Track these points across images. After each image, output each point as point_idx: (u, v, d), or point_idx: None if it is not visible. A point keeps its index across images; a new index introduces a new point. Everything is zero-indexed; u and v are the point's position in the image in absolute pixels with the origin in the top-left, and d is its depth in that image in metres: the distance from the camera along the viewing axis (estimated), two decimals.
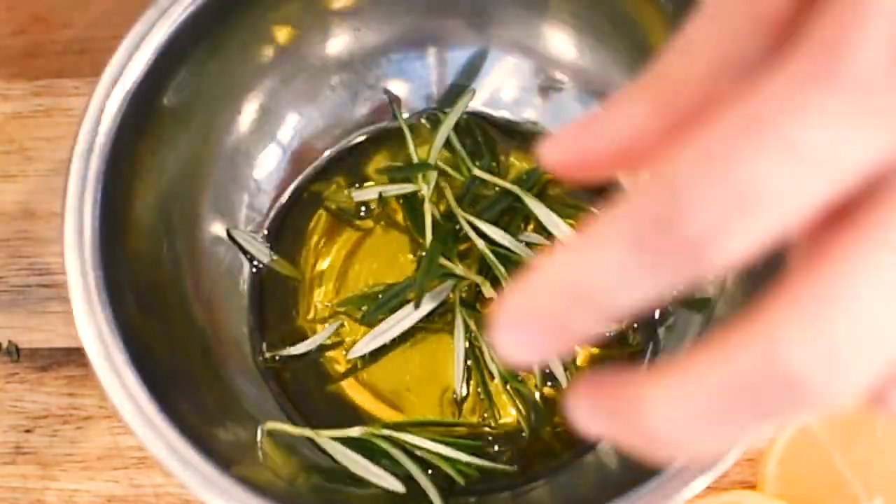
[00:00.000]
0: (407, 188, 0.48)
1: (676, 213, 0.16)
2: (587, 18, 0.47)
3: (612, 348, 0.47)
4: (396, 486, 0.43)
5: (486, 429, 0.46)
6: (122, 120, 0.41)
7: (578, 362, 0.47)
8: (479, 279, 0.46)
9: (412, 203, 0.48)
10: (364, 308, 0.47)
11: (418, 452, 0.44)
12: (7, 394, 0.50)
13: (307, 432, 0.45)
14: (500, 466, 0.45)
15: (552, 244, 0.48)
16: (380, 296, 0.47)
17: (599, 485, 0.43)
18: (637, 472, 0.39)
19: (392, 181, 0.49)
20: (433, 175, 0.47)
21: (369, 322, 0.46)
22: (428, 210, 0.47)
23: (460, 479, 0.44)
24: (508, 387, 0.46)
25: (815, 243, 0.17)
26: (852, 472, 0.43)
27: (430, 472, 0.44)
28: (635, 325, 0.47)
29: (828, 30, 0.16)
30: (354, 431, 0.44)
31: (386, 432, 0.44)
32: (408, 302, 0.46)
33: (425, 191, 0.47)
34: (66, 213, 0.40)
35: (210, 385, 0.44)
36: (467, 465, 0.44)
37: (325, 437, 0.44)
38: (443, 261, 0.46)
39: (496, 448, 0.45)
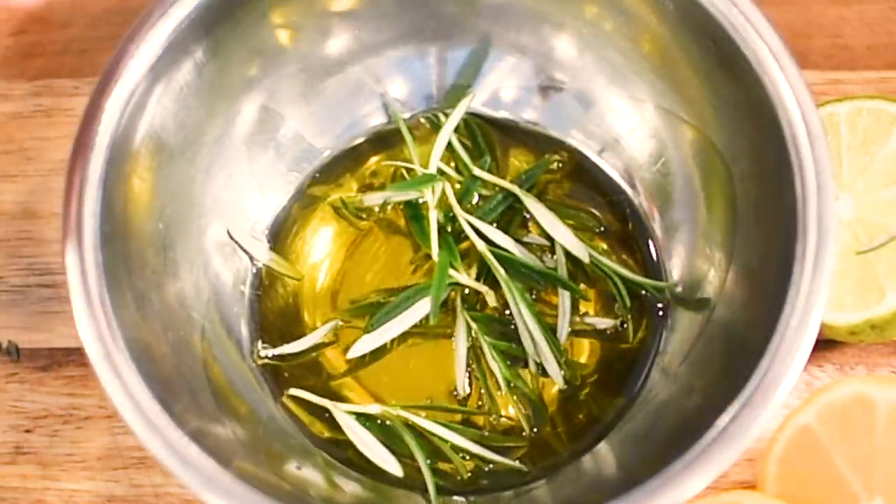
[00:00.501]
0: (410, 195, 0.48)
1: None
2: (587, 19, 0.47)
3: (612, 348, 0.47)
4: (396, 469, 0.43)
5: (488, 427, 0.46)
6: (122, 120, 0.41)
7: (582, 360, 0.47)
8: (483, 288, 0.47)
9: (415, 209, 0.48)
10: (371, 316, 0.47)
11: (431, 438, 0.45)
12: (7, 394, 0.50)
13: (326, 402, 0.45)
14: (508, 461, 0.45)
15: (551, 245, 0.48)
16: (391, 299, 0.47)
17: (599, 485, 0.43)
18: (637, 472, 0.39)
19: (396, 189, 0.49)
20: (438, 185, 0.47)
21: (374, 329, 0.46)
22: (433, 219, 0.47)
23: (464, 473, 0.44)
24: (510, 387, 0.46)
25: None
26: (852, 472, 0.43)
27: (434, 469, 0.44)
28: (635, 325, 0.47)
29: None
30: (373, 409, 0.45)
31: (402, 413, 0.45)
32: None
33: (429, 198, 0.47)
34: (67, 213, 0.40)
35: (210, 385, 0.44)
36: (476, 456, 0.44)
37: (341, 411, 0.45)
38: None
39: (499, 447, 0.46)
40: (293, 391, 0.46)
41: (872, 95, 0.48)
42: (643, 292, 0.47)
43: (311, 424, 0.46)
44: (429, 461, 0.44)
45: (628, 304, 0.46)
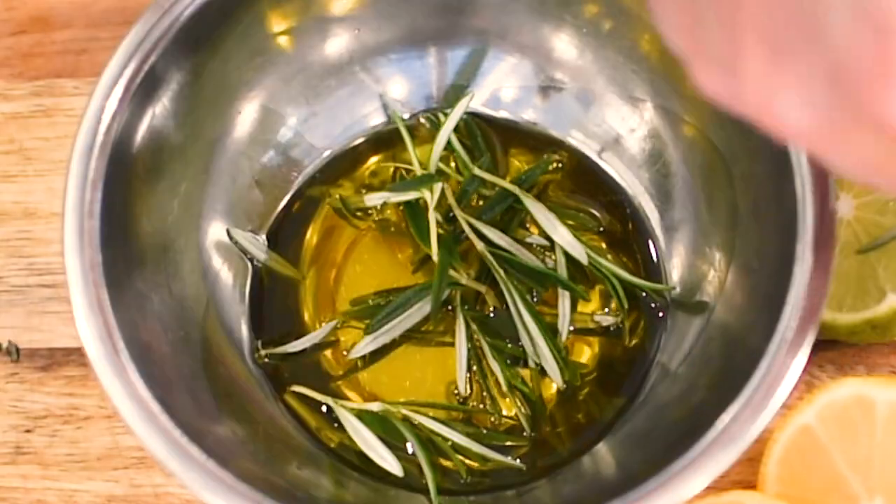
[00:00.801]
0: (410, 195, 0.48)
1: None
2: (587, 18, 0.47)
3: (612, 348, 0.47)
4: (397, 469, 0.43)
5: (489, 427, 0.46)
6: (122, 120, 0.41)
7: (582, 360, 0.47)
8: (483, 288, 0.47)
9: (414, 209, 0.48)
10: (371, 317, 0.47)
11: (432, 437, 0.45)
12: (7, 394, 0.50)
13: (328, 399, 0.45)
14: (509, 460, 0.45)
15: (551, 246, 0.48)
16: (391, 298, 0.47)
17: (600, 484, 0.43)
18: (637, 472, 0.39)
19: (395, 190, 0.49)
20: (438, 185, 0.47)
21: (375, 331, 0.46)
22: (433, 220, 0.47)
23: (465, 472, 0.44)
24: (510, 387, 0.46)
25: None
26: (852, 472, 0.43)
27: (435, 468, 0.44)
28: (635, 325, 0.47)
29: None
30: (374, 406, 0.45)
31: (404, 411, 0.45)
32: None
33: (429, 199, 0.47)
34: (66, 213, 0.40)
35: (210, 385, 0.44)
36: (478, 455, 0.44)
37: (342, 408, 0.45)
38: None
39: (500, 446, 0.46)
40: (295, 388, 0.46)
41: None
42: (642, 294, 0.47)
43: (311, 424, 0.46)
44: (430, 460, 0.44)
45: (626, 305, 0.46)
